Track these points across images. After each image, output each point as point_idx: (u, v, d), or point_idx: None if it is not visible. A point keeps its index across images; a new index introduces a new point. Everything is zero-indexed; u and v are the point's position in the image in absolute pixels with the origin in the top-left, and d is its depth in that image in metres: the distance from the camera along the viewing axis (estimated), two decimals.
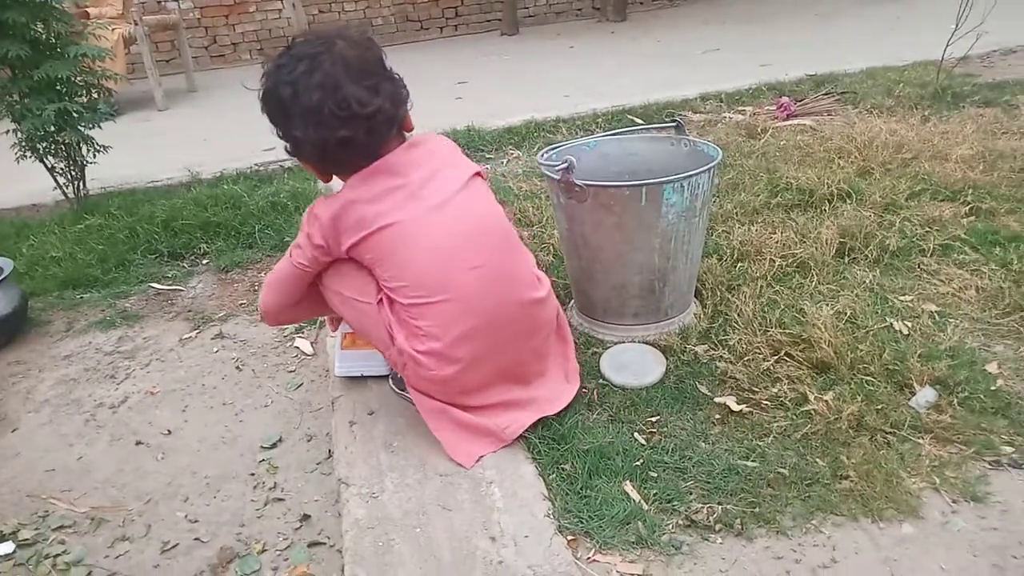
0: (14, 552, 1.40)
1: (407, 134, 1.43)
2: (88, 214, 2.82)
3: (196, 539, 1.41)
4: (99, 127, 2.85)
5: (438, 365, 1.39)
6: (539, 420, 1.48)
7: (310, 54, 1.30)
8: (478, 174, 1.45)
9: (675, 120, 1.94)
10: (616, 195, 1.65)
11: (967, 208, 2.21)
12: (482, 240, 1.38)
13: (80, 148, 2.84)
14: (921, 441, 1.38)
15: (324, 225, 1.37)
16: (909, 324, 1.70)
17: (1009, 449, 1.35)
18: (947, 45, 3.36)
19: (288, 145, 1.37)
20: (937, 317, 1.75)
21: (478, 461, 1.40)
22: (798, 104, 3.42)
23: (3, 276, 2.15)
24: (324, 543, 1.37)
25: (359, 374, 1.69)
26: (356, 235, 1.35)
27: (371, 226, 1.34)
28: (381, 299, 1.42)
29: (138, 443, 1.70)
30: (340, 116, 1.28)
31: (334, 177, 1.45)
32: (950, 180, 2.37)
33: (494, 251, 1.40)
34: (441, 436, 1.44)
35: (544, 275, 1.53)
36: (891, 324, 1.70)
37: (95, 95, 2.86)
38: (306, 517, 1.43)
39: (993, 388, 1.49)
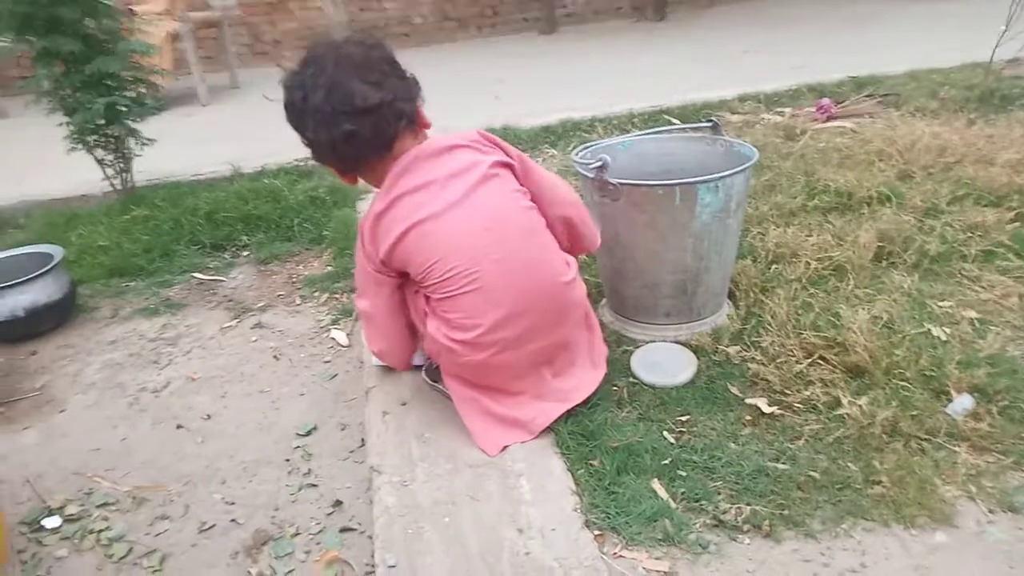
0: (61, 526, 1.47)
1: (426, 132, 1.48)
2: (134, 205, 2.91)
3: (232, 520, 1.45)
4: (145, 120, 2.93)
5: (470, 352, 1.42)
6: (568, 413, 1.49)
7: (317, 57, 1.37)
8: (507, 165, 1.45)
9: (711, 120, 1.93)
10: (649, 194, 1.65)
11: (1012, 214, 2.16)
12: (503, 231, 1.40)
13: (127, 141, 2.92)
14: (957, 449, 1.36)
15: (369, 245, 1.43)
16: (948, 330, 1.67)
17: None
18: (996, 46, 3.27)
19: (311, 151, 1.43)
20: (977, 324, 1.71)
21: (503, 450, 1.43)
22: (839, 106, 3.36)
23: (55, 263, 2.23)
24: (355, 529, 1.40)
25: None
26: (388, 240, 1.39)
27: (400, 227, 1.38)
28: (417, 291, 1.47)
29: (179, 427, 1.75)
30: (344, 112, 1.34)
31: (359, 180, 1.50)
32: (995, 185, 2.31)
33: (517, 241, 1.41)
34: (470, 423, 1.46)
35: (572, 259, 1.54)
36: (929, 330, 1.67)
37: (142, 90, 2.95)
38: (338, 503, 1.46)
39: None
